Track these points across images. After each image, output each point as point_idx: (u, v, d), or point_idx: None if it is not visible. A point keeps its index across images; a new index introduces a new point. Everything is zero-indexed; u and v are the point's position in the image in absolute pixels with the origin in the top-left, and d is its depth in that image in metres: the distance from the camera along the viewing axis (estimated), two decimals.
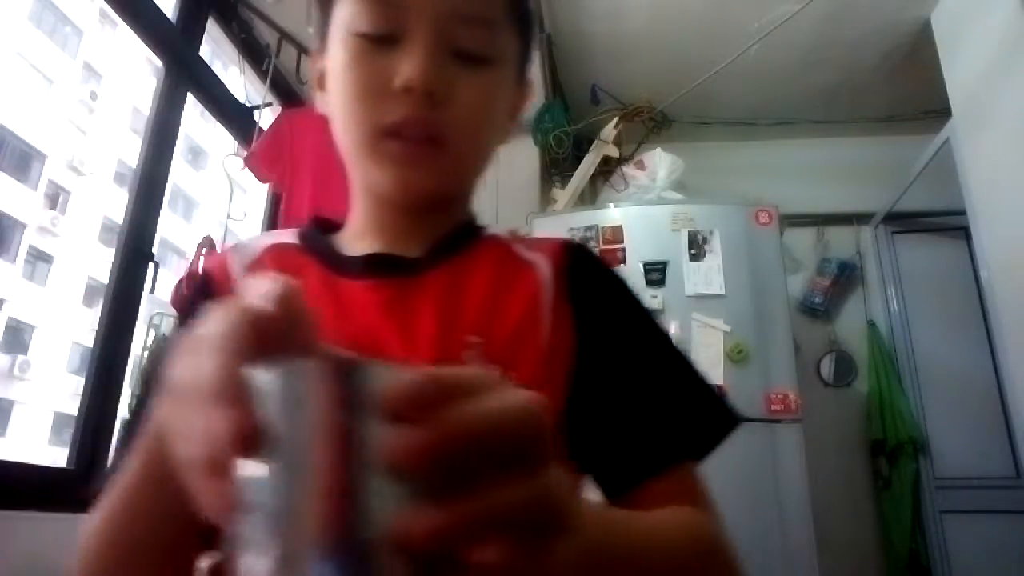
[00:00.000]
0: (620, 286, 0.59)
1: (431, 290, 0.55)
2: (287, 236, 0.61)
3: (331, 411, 0.24)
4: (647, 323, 0.58)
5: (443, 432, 0.24)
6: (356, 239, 0.60)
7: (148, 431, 0.39)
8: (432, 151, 0.53)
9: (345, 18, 0.54)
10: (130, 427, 0.55)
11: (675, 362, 0.57)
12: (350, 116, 0.54)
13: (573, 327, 0.54)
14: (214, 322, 0.29)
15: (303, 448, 0.24)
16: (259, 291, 0.30)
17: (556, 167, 2.96)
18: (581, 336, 0.54)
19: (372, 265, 0.56)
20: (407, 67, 0.51)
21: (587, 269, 0.58)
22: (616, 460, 0.51)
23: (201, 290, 0.58)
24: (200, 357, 0.28)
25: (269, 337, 0.29)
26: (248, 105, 2.39)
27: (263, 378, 0.26)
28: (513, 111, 0.62)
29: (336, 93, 0.55)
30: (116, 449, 0.54)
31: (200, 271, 0.59)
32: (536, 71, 2.63)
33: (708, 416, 0.55)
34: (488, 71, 0.54)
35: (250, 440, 0.25)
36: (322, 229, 0.62)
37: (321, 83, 0.60)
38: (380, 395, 0.24)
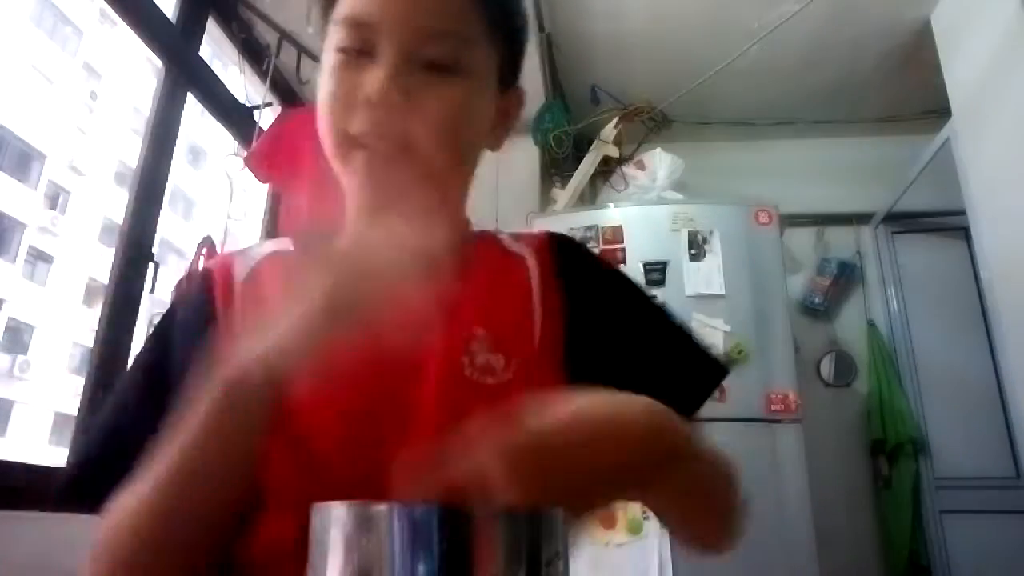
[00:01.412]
0: (605, 268, 0.64)
1: (436, 287, 0.56)
2: (286, 243, 0.64)
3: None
4: (634, 294, 0.63)
5: None
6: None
7: (211, 392, 0.42)
8: (400, 158, 0.55)
9: (330, 39, 0.58)
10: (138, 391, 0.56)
11: (663, 324, 0.61)
12: (324, 124, 0.57)
13: (564, 313, 0.58)
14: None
15: None
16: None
17: (556, 167, 2.96)
18: (572, 320, 0.58)
19: None
20: (370, 80, 0.54)
21: (573, 257, 0.62)
22: None
23: (200, 286, 0.60)
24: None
25: None
26: (248, 105, 2.39)
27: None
28: (502, 117, 0.64)
29: (318, 105, 0.59)
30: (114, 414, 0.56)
31: (203, 268, 0.62)
32: (536, 71, 2.63)
33: (698, 372, 0.60)
34: (458, 81, 0.56)
35: None
36: (319, 234, 0.65)
37: None
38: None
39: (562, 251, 0.62)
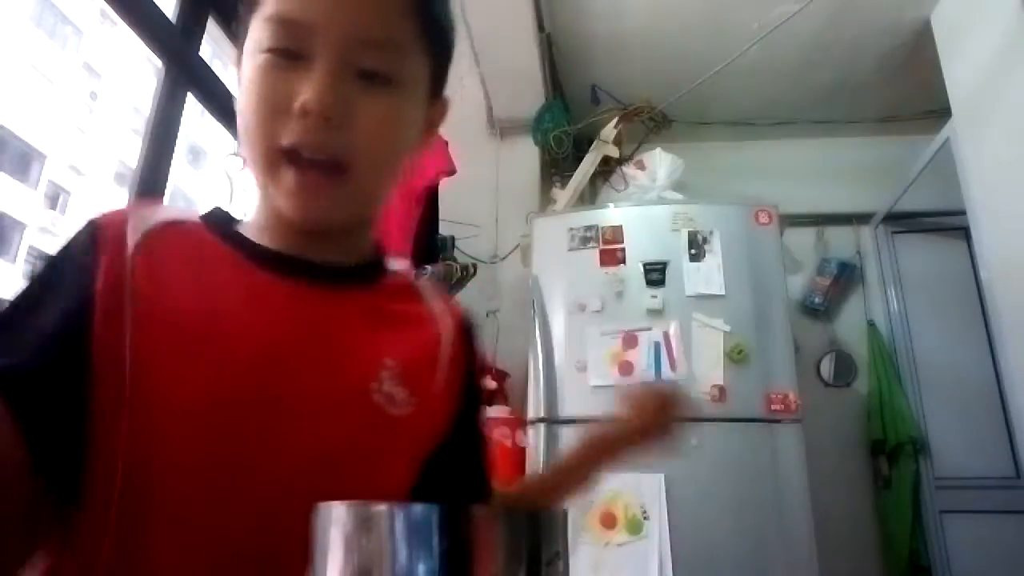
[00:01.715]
0: (481, 370, 0.71)
1: (352, 308, 0.58)
2: (188, 215, 0.58)
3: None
4: (483, 405, 0.71)
5: None
6: (262, 233, 0.58)
7: None
8: (333, 180, 0.53)
9: (257, 37, 0.54)
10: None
11: (479, 436, 0.68)
12: (251, 131, 0.53)
13: (462, 388, 0.62)
14: None
15: None
16: None
17: (556, 167, 2.96)
18: (465, 398, 0.62)
19: (297, 267, 0.56)
20: (306, 90, 0.51)
21: (476, 346, 0.67)
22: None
23: (88, 238, 0.52)
24: None
25: None
26: None
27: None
28: (428, 126, 0.62)
29: (242, 107, 0.55)
30: None
31: (94, 221, 0.53)
32: (536, 71, 2.63)
33: (476, 487, 0.66)
34: (393, 92, 0.54)
35: None
36: (225, 217, 0.61)
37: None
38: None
39: (471, 334, 0.66)
